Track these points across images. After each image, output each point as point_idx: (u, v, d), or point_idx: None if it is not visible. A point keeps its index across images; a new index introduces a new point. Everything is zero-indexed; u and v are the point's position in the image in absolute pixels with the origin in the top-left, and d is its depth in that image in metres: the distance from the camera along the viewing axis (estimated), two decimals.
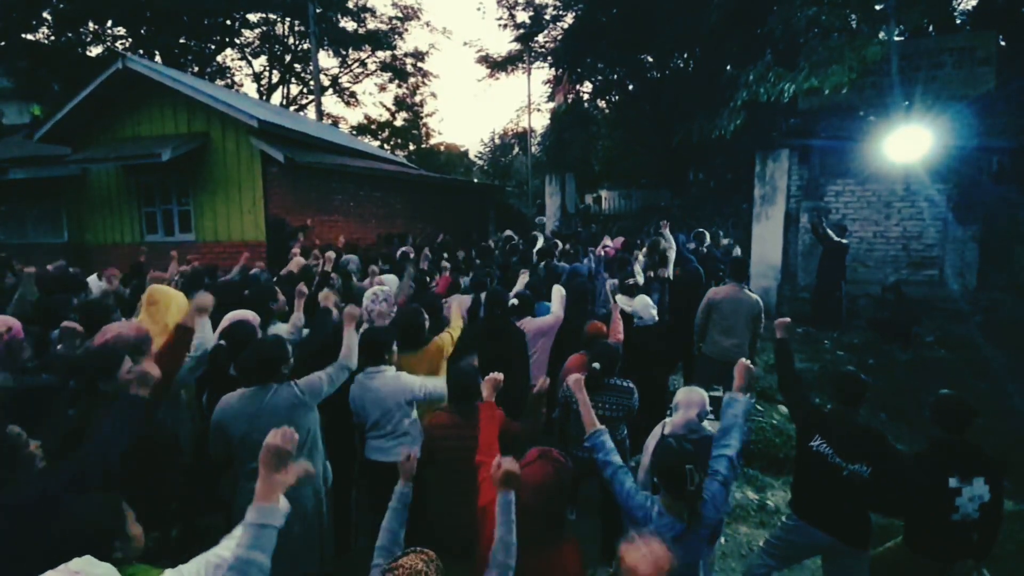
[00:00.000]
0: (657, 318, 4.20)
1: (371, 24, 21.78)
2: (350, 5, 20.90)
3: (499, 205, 17.20)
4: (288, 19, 20.39)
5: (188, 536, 2.74)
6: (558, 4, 15.83)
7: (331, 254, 5.22)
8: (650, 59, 14.68)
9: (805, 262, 8.78)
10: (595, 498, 3.37)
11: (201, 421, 2.98)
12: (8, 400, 2.24)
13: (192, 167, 8.07)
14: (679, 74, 14.31)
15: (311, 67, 18.04)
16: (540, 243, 7.38)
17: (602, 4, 13.60)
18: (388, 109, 25.95)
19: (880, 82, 8.50)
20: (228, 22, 19.38)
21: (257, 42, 21.06)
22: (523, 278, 4.62)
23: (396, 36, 22.41)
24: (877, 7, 8.03)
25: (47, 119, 9.03)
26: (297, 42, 21.36)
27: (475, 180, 26.12)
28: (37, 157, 9.26)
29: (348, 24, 21.36)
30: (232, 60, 21.50)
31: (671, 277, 5.59)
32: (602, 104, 18.01)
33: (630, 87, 15.99)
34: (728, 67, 11.67)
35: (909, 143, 7.45)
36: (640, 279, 5.03)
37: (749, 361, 2.37)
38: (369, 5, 22.11)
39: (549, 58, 17.50)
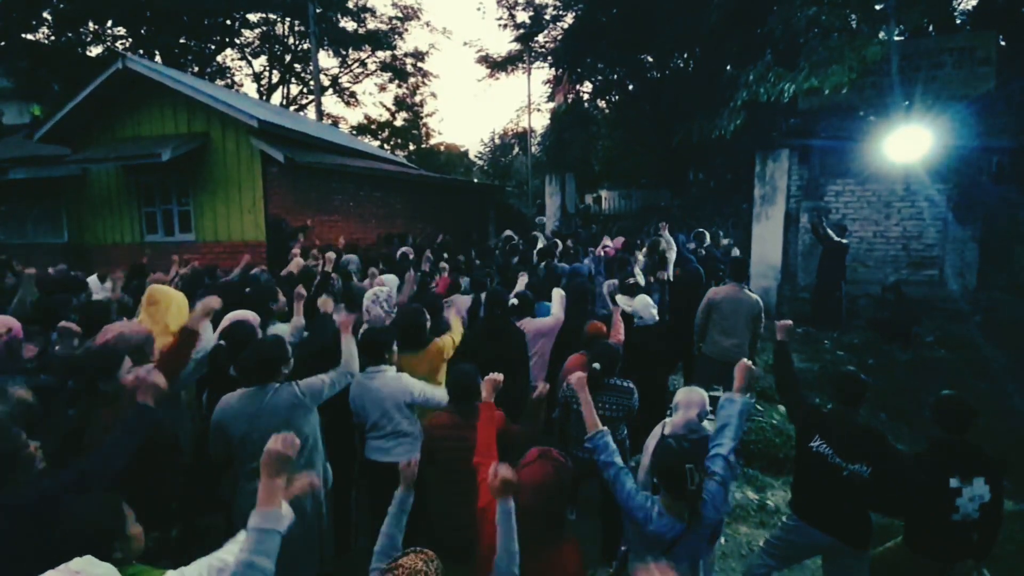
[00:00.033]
0: (657, 318, 4.20)
1: (371, 24, 21.80)
2: (350, 5, 20.90)
3: (499, 205, 17.19)
4: (288, 19, 20.39)
5: (188, 536, 2.74)
6: (558, 4, 15.83)
7: (331, 254, 5.22)
8: (650, 59, 14.68)
9: (805, 262, 8.78)
10: (595, 498, 3.37)
11: (201, 421, 2.98)
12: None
13: (192, 167, 8.07)
14: (679, 74, 14.31)
15: (311, 67, 18.04)
16: (540, 243, 7.38)
17: (602, 4, 13.60)
18: (388, 109, 26.01)
19: (880, 82, 8.49)
20: (228, 22, 19.38)
21: (257, 42, 21.06)
22: (522, 280, 4.62)
23: (396, 36, 22.43)
24: (877, 7, 8.03)
25: (47, 119, 9.03)
26: (297, 42, 21.37)
27: (475, 180, 26.12)
28: (37, 157, 9.25)
29: (348, 24, 21.37)
30: (232, 60, 21.54)
31: (671, 278, 5.59)
32: (602, 104, 18.01)
33: (630, 87, 15.98)
34: (728, 67, 11.66)
35: (909, 143, 7.45)
36: (641, 280, 5.04)
37: (749, 361, 2.37)
38: (369, 5, 22.16)
39: (549, 58, 17.50)
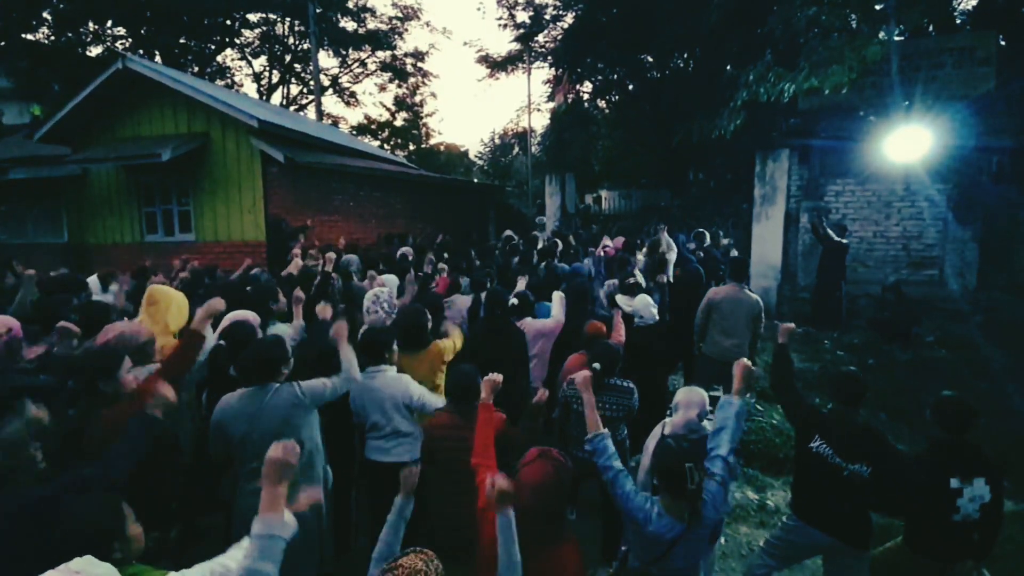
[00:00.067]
0: (658, 317, 4.20)
1: (371, 24, 21.80)
2: (350, 5, 20.90)
3: (499, 205, 17.19)
4: (288, 19, 20.39)
5: (188, 536, 2.75)
6: (558, 4, 15.83)
7: (331, 255, 5.22)
8: (650, 59, 14.68)
9: (805, 262, 8.78)
10: (595, 498, 3.37)
11: (201, 421, 2.98)
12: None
13: (192, 167, 8.07)
14: (679, 74, 14.31)
15: (311, 67, 18.04)
16: (540, 244, 7.38)
17: (602, 4, 13.60)
18: (388, 109, 26.00)
19: (880, 82, 8.49)
20: (228, 22, 19.38)
21: (257, 42, 21.06)
22: (521, 283, 4.62)
23: (396, 36, 22.43)
24: (877, 7, 8.03)
25: (47, 119, 9.04)
26: (297, 42, 21.37)
27: (475, 180, 26.12)
28: (37, 157, 9.25)
29: (348, 24, 21.37)
30: (232, 60, 21.54)
31: (671, 280, 5.59)
32: (602, 104, 18.02)
33: (630, 87, 15.99)
34: (728, 67, 11.66)
35: (909, 143, 7.45)
36: (641, 280, 5.03)
37: (749, 361, 2.37)
38: (369, 5, 22.14)
39: (549, 58, 17.51)
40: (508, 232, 8.97)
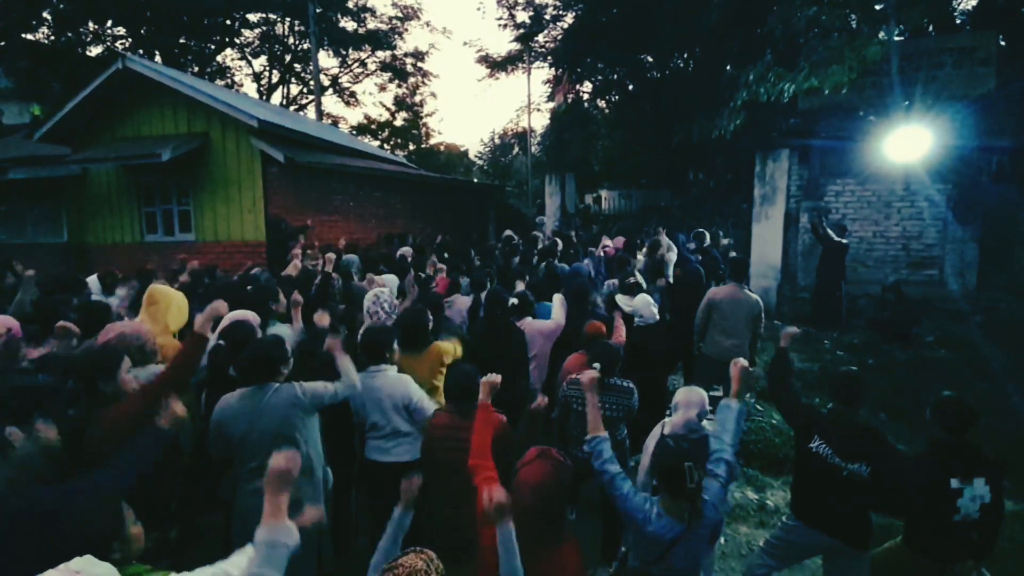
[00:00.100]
0: (658, 317, 4.20)
1: (371, 24, 21.79)
2: (350, 5, 20.89)
3: (499, 205, 17.19)
4: (288, 19, 20.38)
5: (187, 536, 2.75)
6: (558, 4, 15.84)
7: (331, 255, 5.23)
8: (650, 59, 14.69)
9: (805, 262, 8.78)
10: (595, 498, 3.37)
11: (200, 421, 2.98)
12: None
13: (192, 167, 8.07)
14: (679, 74, 14.32)
15: (311, 67, 18.04)
16: (540, 244, 7.38)
17: (602, 4, 13.61)
18: (388, 109, 25.99)
19: (880, 82, 8.49)
20: (228, 22, 19.37)
21: (257, 42, 21.06)
22: (519, 286, 4.61)
23: (396, 36, 22.42)
24: (877, 7, 8.03)
25: (47, 119, 9.03)
26: (297, 42, 21.37)
27: (475, 180, 26.12)
28: (37, 157, 9.25)
29: (348, 24, 21.36)
30: (232, 60, 21.54)
31: (670, 281, 5.59)
32: (602, 104, 18.03)
33: (630, 87, 15.99)
34: (728, 67, 11.67)
35: (909, 143, 7.45)
36: (641, 280, 5.04)
37: (749, 361, 2.37)
38: (369, 5, 22.11)
39: (549, 58, 17.52)
40: (508, 232, 8.96)
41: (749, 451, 4.41)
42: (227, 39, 20.04)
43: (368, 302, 3.59)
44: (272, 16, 20.11)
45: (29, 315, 3.65)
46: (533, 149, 23.61)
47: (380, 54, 22.96)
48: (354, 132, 24.22)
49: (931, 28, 10.09)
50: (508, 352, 3.66)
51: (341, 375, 2.63)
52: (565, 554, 1.74)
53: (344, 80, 23.93)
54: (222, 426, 2.43)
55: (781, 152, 8.70)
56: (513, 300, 4.03)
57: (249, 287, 4.34)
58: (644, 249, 6.34)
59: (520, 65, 20.12)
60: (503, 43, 50.79)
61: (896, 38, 8.51)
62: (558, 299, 4.16)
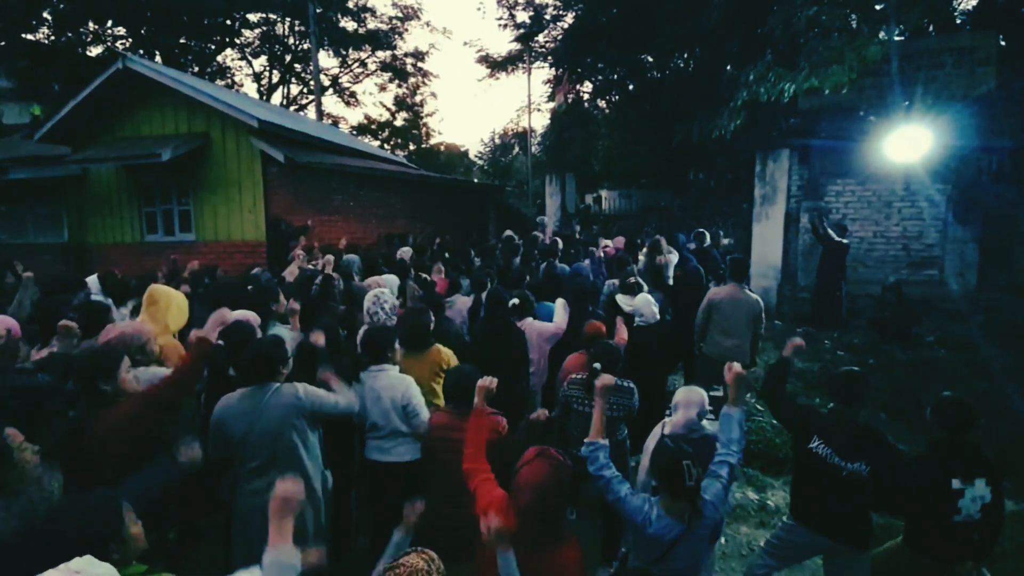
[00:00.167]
0: (658, 316, 4.20)
1: (371, 24, 21.79)
2: (350, 5, 20.90)
3: (499, 205, 17.20)
4: (288, 19, 20.38)
5: (187, 536, 2.74)
6: (558, 4, 15.85)
7: (330, 257, 5.23)
8: (650, 59, 14.69)
9: (805, 262, 8.78)
10: (595, 498, 3.36)
11: (200, 421, 2.98)
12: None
13: (192, 167, 8.07)
14: (679, 74, 14.32)
15: (311, 67, 18.04)
16: (540, 244, 7.38)
17: (602, 4, 13.61)
18: (388, 109, 25.97)
19: (880, 82, 8.49)
20: (228, 22, 19.37)
21: (257, 42, 21.05)
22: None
23: (396, 36, 22.43)
24: (877, 7, 8.03)
25: (47, 119, 9.03)
26: (297, 42, 21.37)
27: (475, 180, 26.12)
28: (37, 157, 9.25)
29: (348, 24, 21.36)
30: (232, 60, 21.53)
31: (670, 282, 5.59)
32: (602, 104, 18.03)
33: (630, 87, 15.99)
34: (728, 67, 11.67)
35: (909, 143, 7.44)
36: (643, 282, 5.03)
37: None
38: (369, 5, 22.07)
39: (549, 58, 17.53)
40: (508, 232, 8.97)
41: (749, 451, 4.39)
42: (227, 39, 20.04)
43: (368, 302, 3.58)
44: (272, 16, 20.11)
45: (29, 315, 3.65)
46: (533, 149, 23.62)
47: (380, 54, 22.99)
48: (354, 132, 24.22)
49: (931, 28, 10.08)
50: (508, 352, 3.66)
51: (341, 391, 2.64)
52: (565, 554, 1.74)
53: (344, 80, 23.97)
54: (222, 426, 2.43)
55: (781, 152, 8.70)
56: (514, 300, 4.03)
57: (249, 287, 4.34)
58: (644, 249, 6.34)
59: (520, 65, 20.14)
60: (503, 43, 50.77)
61: (896, 38, 8.51)
62: (561, 303, 4.15)
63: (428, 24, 40.23)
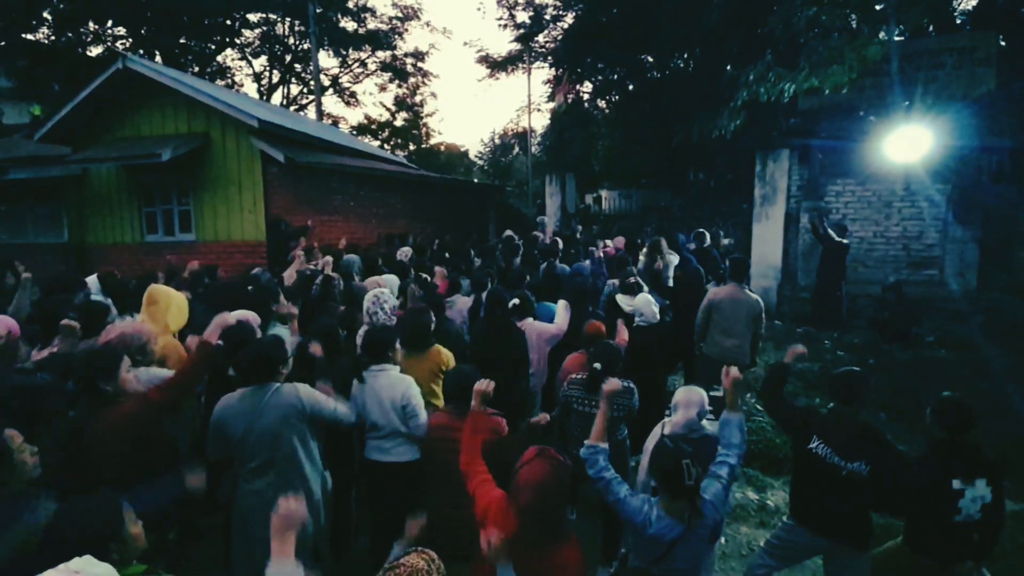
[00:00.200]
0: (659, 316, 4.20)
1: (371, 24, 21.79)
2: (350, 5, 20.90)
3: (499, 205, 17.19)
4: (288, 19, 20.39)
5: (187, 536, 2.74)
6: (558, 4, 15.85)
7: (329, 258, 5.23)
8: (650, 59, 14.69)
9: (805, 262, 8.78)
10: (595, 498, 3.36)
11: (200, 421, 2.98)
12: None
13: (192, 167, 8.07)
14: (679, 74, 14.32)
15: (311, 67, 18.05)
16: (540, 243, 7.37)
17: (602, 4, 13.61)
18: (388, 109, 25.99)
19: (880, 82, 8.49)
20: (228, 22, 19.38)
21: (257, 42, 21.06)
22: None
23: (396, 36, 22.43)
24: (877, 7, 8.02)
25: (47, 119, 9.03)
26: (297, 42, 21.37)
27: (475, 180, 26.12)
28: (37, 157, 9.25)
29: (348, 24, 21.36)
30: (232, 60, 21.53)
31: (670, 283, 5.59)
32: (602, 104, 18.02)
33: (630, 87, 15.99)
34: (728, 67, 11.67)
35: (909, 143, 7.44)
36: (643, 283, 5.03)
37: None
38: (369, 5, 22.12)
39: (549, 58, 17.53)
40: (508, 232, 8.97)
41: (749, 451, 4.38)
42: (227, 39, 20.04)
43: (368, 303, 3.58)
44: (272, 16, 20.12)
45: (29, 315, 3.65)
46: (533, 149, 23.61)
47: (380, 54, 22.99)
48: (354, 132, 24.22)
49: (931, 28, 10.08)
50: (508, 352, 3.66)
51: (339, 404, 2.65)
52: (565, 554, 1.74)
53: (344, 80, 23.97)
54: (222, 425, 2.43)
55: (781, 152, 8.70)
56: (514, 300, 4.03)
57: (249, 287, 4.33)
58: (644, 249, 6.34)
59: (520, 65, 20.13)
60: (503, 43, 50.75)
61: (896, 38, 8.51)
62: (563, 304, 4.14)
63: (428, 24, 40.29)
